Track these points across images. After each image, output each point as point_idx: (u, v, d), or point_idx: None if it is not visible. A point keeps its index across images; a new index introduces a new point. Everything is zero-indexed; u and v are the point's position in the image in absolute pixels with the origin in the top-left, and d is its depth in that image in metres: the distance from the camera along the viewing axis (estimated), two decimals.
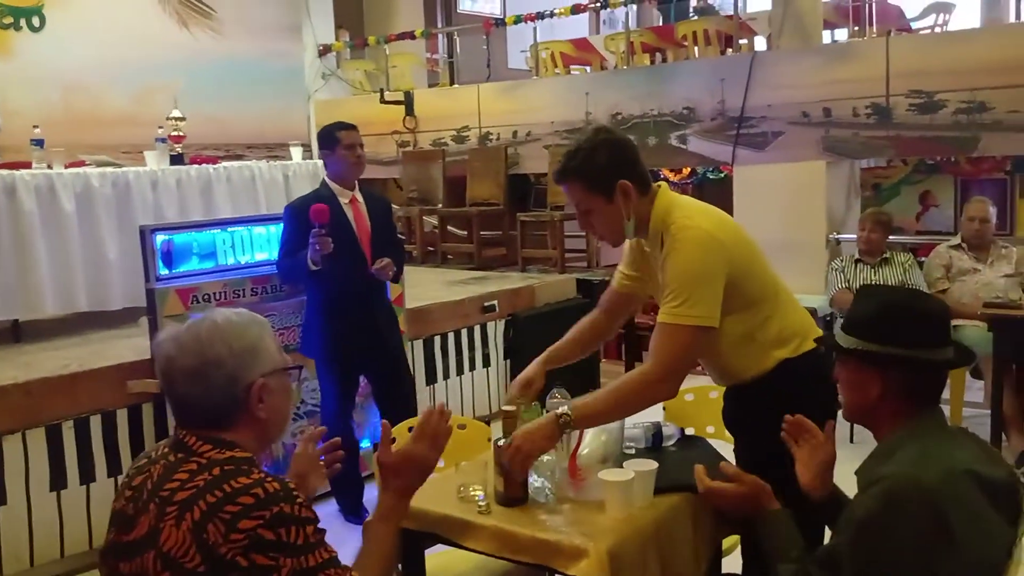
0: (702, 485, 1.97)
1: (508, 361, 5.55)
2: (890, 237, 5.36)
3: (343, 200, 3.81)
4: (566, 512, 2.06)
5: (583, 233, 6.22)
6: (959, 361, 1.73)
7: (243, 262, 4.19)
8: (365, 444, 4.28)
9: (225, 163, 5.63)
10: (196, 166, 5.32)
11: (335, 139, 3.80)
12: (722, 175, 7.60)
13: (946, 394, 4.80)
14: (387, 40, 8.58)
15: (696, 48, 7.23)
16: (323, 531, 1.46)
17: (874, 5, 6.85)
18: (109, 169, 4.94)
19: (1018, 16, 6.45)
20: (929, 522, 1.52)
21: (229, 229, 4.20)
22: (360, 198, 3.89)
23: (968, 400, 4.90)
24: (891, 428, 1.71)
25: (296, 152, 6.01)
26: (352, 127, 3.88)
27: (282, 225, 3.91)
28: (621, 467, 2.11)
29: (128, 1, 7.30)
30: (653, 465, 2.08)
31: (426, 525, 2.10)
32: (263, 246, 4.27)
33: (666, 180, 9.29)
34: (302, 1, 8.60)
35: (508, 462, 2.05)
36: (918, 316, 1.70)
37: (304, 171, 5.74)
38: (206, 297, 3.89)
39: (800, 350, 2.23)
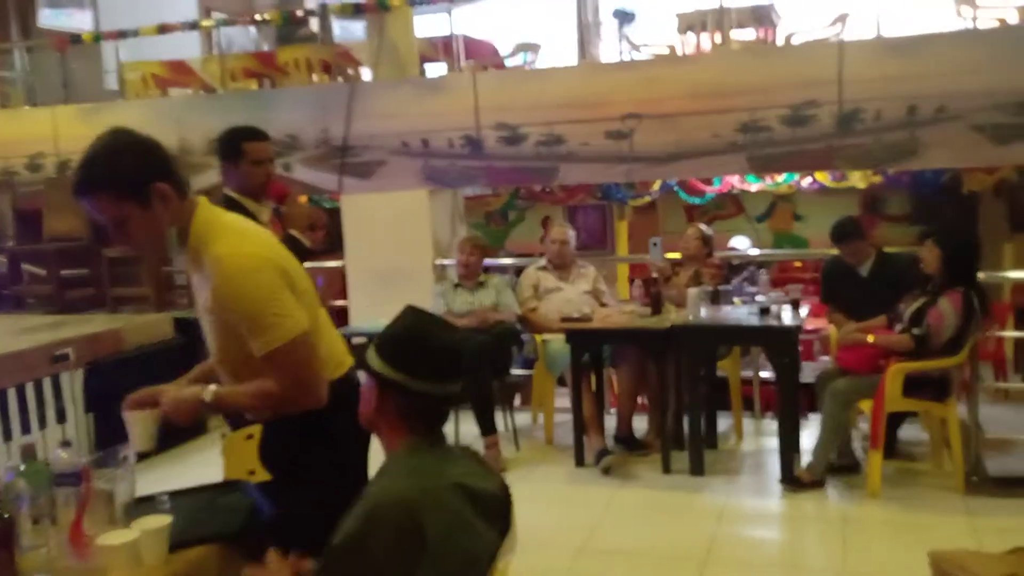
0: (247, 572, 1.84)
1: (91, 415, 4.93)
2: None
3: (263, 219, 3.31)
4: None
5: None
6: (456, 400, 1.78)
7: None
8: None
9: None
10: None
11: (239, 151, 3.34)
12: (333, 203, 7.51)
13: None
14: None
15: (302, 75, 7.08)
16: None
17: (463, 42, 7.17)
18: None
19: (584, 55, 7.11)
20: (403, 531, 1.57)
21: None
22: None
23: (558, 406, 5.27)
24: (392, 443, 1.75)
25: None
26: (261, 136, 3.42)
27: None
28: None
29: None
30: (166, 520, 1.84)
31: None
32: None
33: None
34: None
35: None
36: (429, 348, 1.73)
37: None
38: None
39: (338, 372, 2.19)
